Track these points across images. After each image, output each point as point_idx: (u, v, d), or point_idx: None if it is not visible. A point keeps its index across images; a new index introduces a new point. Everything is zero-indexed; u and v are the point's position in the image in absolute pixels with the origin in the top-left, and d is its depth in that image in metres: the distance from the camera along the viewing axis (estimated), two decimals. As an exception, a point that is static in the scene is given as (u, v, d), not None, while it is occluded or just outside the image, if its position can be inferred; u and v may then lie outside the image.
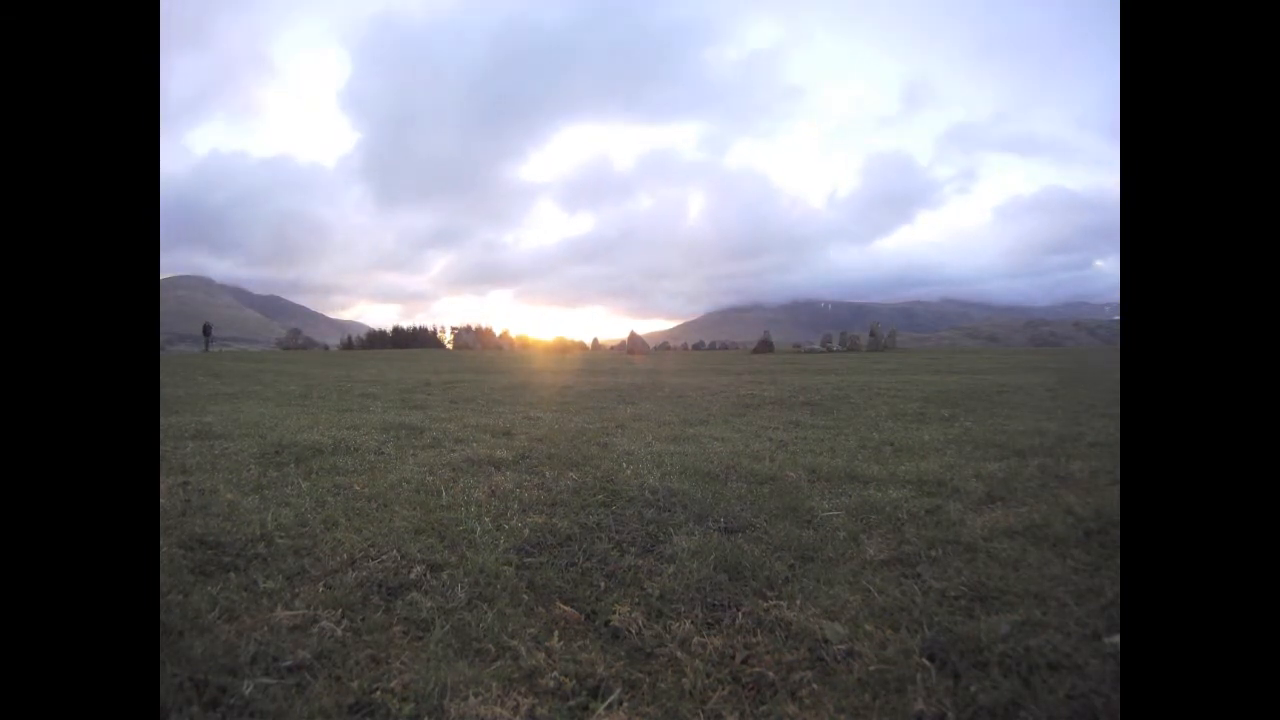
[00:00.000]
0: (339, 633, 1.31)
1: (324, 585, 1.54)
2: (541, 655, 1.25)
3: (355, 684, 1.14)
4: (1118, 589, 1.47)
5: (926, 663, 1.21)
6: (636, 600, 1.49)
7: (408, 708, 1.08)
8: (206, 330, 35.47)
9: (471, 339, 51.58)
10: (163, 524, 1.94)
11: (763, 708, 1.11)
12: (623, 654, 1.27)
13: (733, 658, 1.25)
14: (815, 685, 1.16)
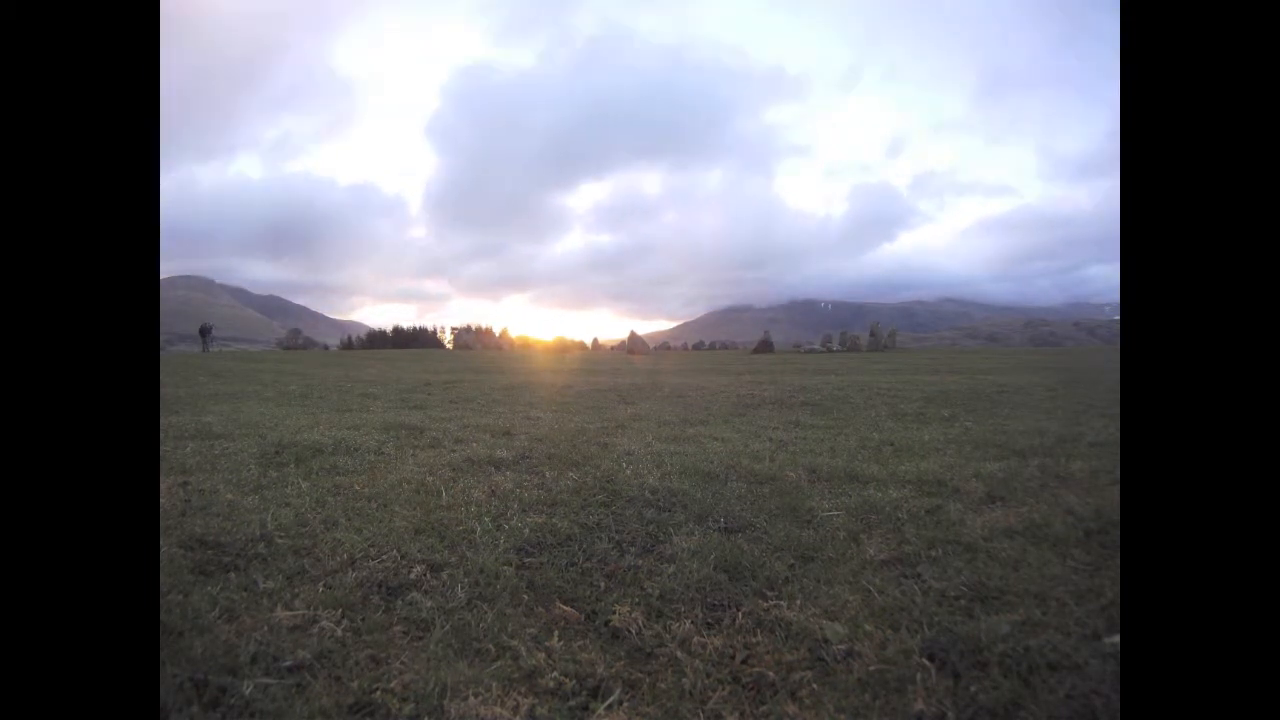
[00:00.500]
0: (339, 633, 1.31)
1: (324, 585, 1.54)
2: (541, 655, 1.25)
3: (355, 684, 1.14)
4: (1118, 589, 1.47)
5: (926, 663, 1.21)
6: (636, 600, 1.49)
7: (408, 708, 1.08)
8: (205, 331, 33.41)
9: (471, 339, 51.56)
10: (163, 524, 1.94)
11: (763, 708, 1.10)
12: (623, 654, 1.27)
13: (733, 658, 1.25)
14: (815, 685, 1.16)
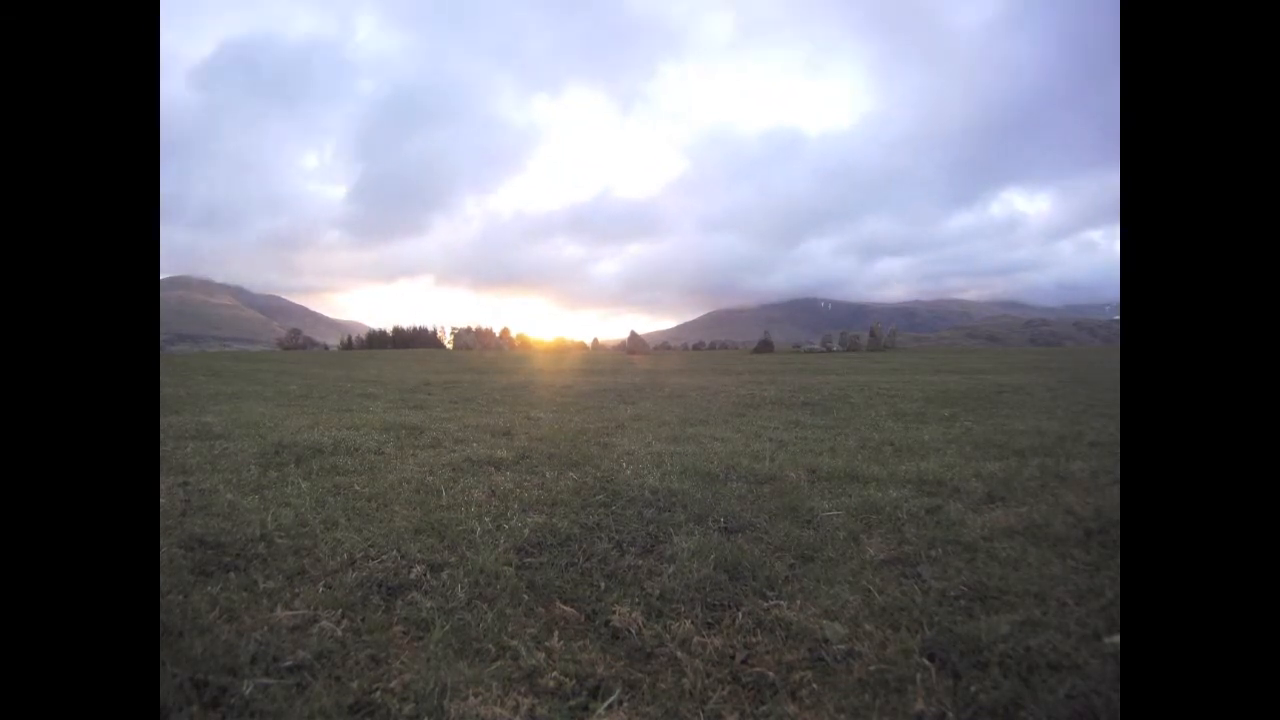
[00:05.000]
0: (339, 633, 1.31)
1: (324, 585, 1.54)
2: (541, 655, 1.25)
3: (355, 684, 1.14)
4: (1118, 589, 1.47)
5: (926, 663, 1.21)
6: (636, 600, 1.49)
7: (408, 708, 1.08)
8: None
9: (471, 339, 51.57)
10: (163, 524, 1.94)
11: (763, 708, 1.10)
12: (623, 654, 1.27)
13: (733, 658, 1.25)
14: (815, 685, 1.16)
